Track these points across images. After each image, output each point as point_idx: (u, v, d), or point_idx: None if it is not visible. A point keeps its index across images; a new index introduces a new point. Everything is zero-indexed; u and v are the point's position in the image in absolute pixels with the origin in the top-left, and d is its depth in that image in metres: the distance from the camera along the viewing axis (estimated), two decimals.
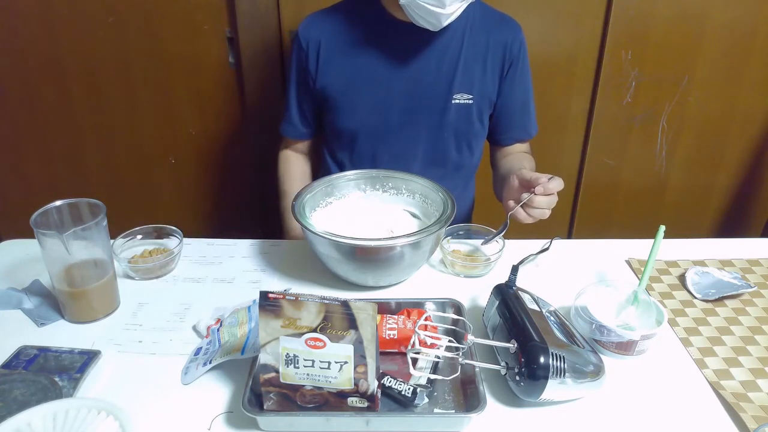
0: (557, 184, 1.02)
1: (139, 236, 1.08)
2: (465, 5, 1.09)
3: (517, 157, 1.31)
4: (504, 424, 0.75)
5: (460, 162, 1.31)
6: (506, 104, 1.27)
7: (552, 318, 0.83)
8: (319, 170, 1.38)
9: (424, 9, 1.07)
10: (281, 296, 0.70)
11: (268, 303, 0.70)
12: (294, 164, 1.35)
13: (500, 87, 1.25)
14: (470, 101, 1.23)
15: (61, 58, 1.67)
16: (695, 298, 0.99)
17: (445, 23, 1.10)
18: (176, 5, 1.61)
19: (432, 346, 0.79)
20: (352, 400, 0.73)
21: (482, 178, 1.40)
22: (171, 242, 1.08)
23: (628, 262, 1.09)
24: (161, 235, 1.08)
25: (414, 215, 1.12)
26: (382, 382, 0.77)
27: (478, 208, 1.45)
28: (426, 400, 0.76)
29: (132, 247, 1.07)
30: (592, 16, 1.65)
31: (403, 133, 1.25)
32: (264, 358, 0.72)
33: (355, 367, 0.71)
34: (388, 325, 0.85)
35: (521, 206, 1.03)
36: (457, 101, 1.22)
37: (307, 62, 1.23)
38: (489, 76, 1.23)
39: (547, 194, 1.02)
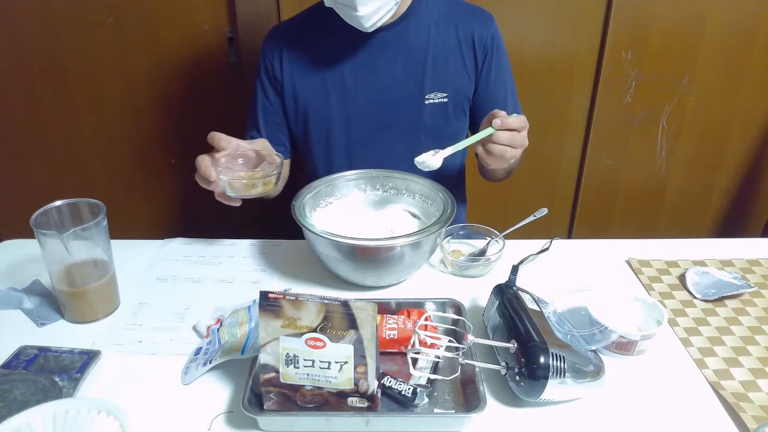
0: (518, 119, 0.98)
1: (240, 160, 1.02)
2: (389, 5, 1.06)
3: None
4: (504, 424, 0.75)
5: (443, 162, 1.28)
6: (485, 99, 1.23)
7: (552, 318, 0.83)
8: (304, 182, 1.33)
9: (345, 12, 1.06)
10: (281, 296, 0.70)
11: (268, 303, 0.70)
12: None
13: (477, 81, 1.22)
14: (445, 99, 1.20)
15: (61, 58, 1.67)
16: (695, 298, 0.99)
17: (370, 24, 1.07)
18: (176, 5, 1.61)
19: (432, 346, 0.79)
20: (352, 400, 0.73)
21: (475, 177, 1.40)
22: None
23: (628, 262, 1.09)
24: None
25: (414, 215, 1.12)
26: (382, 382, 0.77)
27: (472, 207, 1.45)
28: (426, 400, 0.76)
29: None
30: (592, 16, 1.65)
31: (379, 140, 1.23)
32: (264, 358, 0.72)
33: (355, 367, 0.71)
34: (388, 325, 0.85)
35: (483, 144, 0.99)
36: (431, 101, 1.19)
37: (274, 74, 1.21)
38: (464, 71, 1.20)
39: (506, 128, 0.97)
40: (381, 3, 1.05)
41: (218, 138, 0.98)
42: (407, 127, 1.22)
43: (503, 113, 0.99)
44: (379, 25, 1.10)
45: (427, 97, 1.19)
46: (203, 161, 0.97)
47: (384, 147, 1.23)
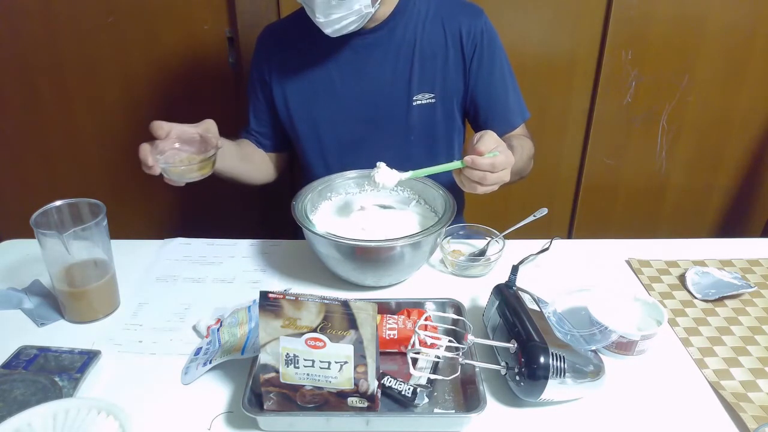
0: (491, 162, 0.91)
1: (186, 146, 1.01)
2: (351, 18, 1.05)
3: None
4: (504, 424, 0.75)
5: (435, 163, 1.26)
6: (480, 97, 1.20)
7: (552, 318, 0.83)
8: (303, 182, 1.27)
9: (311, 15, 1.05)
10: (281, 296, 0.70)
11: (268, 303, 0.70)
12: (251, 147, 1.28)
13: (468, 80, 1.19)
14: (432, 100, 1.18)
15: (61, 58, 1.67)
16: (695, 298, 0.99)
17: (331, 31, 1.06)
18: (176, 5, 1.61)
19: (432, 346, 0.79)
20: (352, 400, 0.73)
21: None
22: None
23: (628, 262, 1.09)
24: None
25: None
26: (382, 382, 0.77)
27: (472, 207, 1.45)
28: (426, 400, 0.76)
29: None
30: (592, 16, 1.65)
31: (370, 142, 1.22)
32: (264, 358, 0.72)
33: (355, 367, 0.71)
34: (388, 325, 0.85)
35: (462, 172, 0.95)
36: (419, 102, 1.18)
37: (264, 77, 1.22)
38: (452, 69, 1.17)
39: (476, 168, 0.92)
40: (341, 14, 1.03)
41: (156, 126, 0.97)
42: (396, 128, 1.21)
43: (482, 148, 0.92)
44: (343, 33, 1.08)
45: (414, 98, 1.18)
46: (142, 149, 0.96)
47: (375, 148, 1.21)
